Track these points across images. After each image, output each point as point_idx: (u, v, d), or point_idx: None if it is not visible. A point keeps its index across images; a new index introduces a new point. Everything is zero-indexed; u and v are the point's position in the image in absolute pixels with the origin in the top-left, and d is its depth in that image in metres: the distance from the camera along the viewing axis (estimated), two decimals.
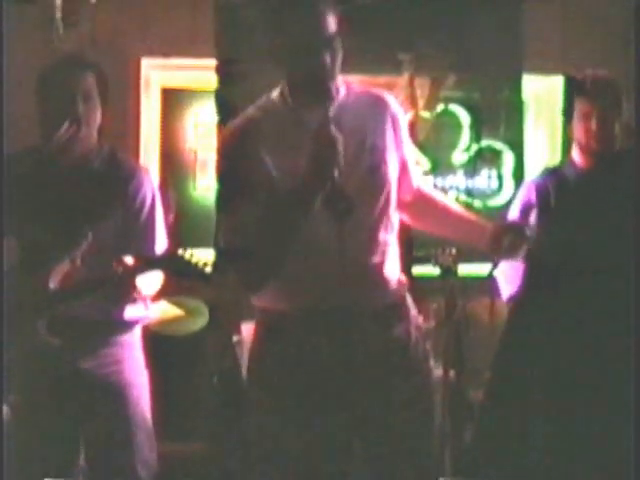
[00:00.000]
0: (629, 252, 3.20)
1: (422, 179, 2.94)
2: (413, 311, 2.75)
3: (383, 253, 2.66)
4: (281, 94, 2.64)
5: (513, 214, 3.62)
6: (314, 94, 2.51)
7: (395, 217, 2.71)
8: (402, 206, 2.80)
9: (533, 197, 3.58)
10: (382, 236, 2.65)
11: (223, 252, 2.64)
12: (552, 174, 3.68)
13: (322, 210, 2.49)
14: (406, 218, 2.87)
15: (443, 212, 2.87)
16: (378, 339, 2.62)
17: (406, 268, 2.83)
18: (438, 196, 2.94)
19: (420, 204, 2.86)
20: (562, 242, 3.46)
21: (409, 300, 2.75)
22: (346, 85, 2.67)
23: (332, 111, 2.47)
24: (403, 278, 2.75)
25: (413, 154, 2.87)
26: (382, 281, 2.66)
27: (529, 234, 2.78)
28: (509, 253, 2.77)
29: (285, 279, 2.55)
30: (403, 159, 2.75)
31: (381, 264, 2.65)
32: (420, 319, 2.80)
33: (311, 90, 2.53)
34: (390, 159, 2.66)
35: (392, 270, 2.69)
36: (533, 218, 3.56)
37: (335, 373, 2.59)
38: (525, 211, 3.58)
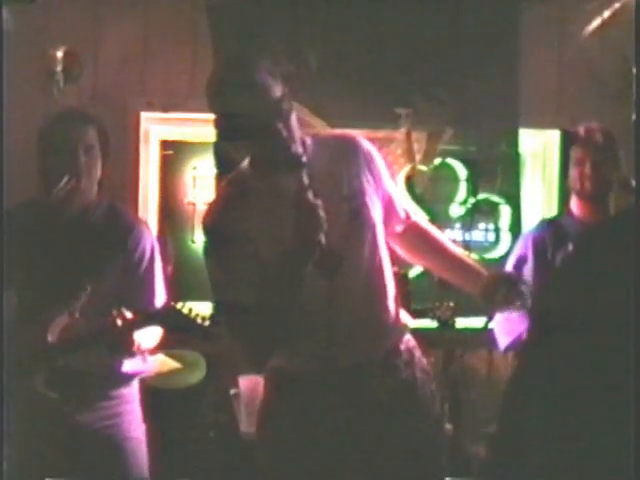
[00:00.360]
0: (630, 305, 3.21)
1: (415, 211, 2.91)
2: (418, 353, 2.72)
3: (379, 297, 2.65)
4: (250, 164, 2.63)
5: (510, 266, 3.63)
6: (282, 163, 2.49)
7: (386, 257, 2.68)
8: (395, 238, 2.79)
9: (530, 249, 3.60)
10: (375, 280, 2.64)
11: (217, 306, 2.64)
12: (549, 225, 3.70)
13: (311, 270, 2.46)
14: (400, 250, 2.84)
15: (438, 248, 2.83)
16: (385, 387, 2.60)
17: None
18: (434, 231, 2.90)
19: (414, 236, 2.83)
20: (561, 294, 3.47)
21: (412, 342, 2.73)
22: (311, 136, 2.66)
23: (305, 176, 2.44)
24: (403, 319, 2.73)
25: (395, 187, 2.84)
26: (383, 326, 2.65)
27: (524, 287, 2.78)
28: (502, 305, 2.76)
29: (288, 342, 2.54)
30: (386, 195, 2.71)
31: (379, 309, 2.64)
32: (425, 361, 2.77)
33: (277, 160, 2.50)
34: (371, 200, 2.63)
35: (391, 313, 2.67)
36: (530, 270, 3.58)
37: (347, 426, 2.57)
38: (522, 263, 3.59)
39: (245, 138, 2.51)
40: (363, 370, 2.58)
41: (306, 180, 2.44)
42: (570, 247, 3.51)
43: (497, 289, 2.69)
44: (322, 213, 2.40)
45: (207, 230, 2.67)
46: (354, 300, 2.57)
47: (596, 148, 3.54)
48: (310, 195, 2.42)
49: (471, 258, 2.99)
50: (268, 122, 2.46)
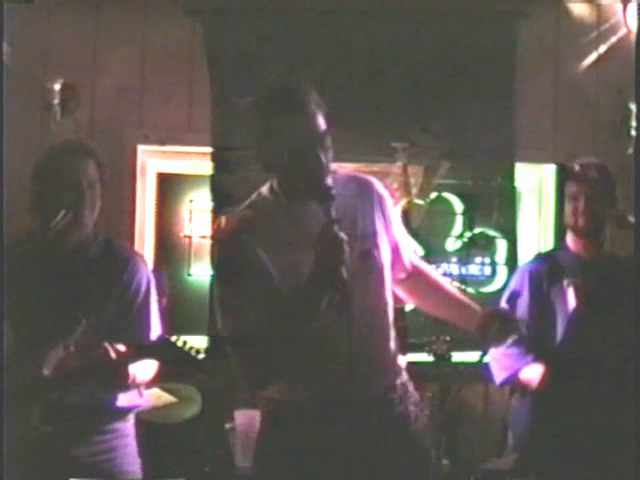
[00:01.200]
0: (629, 335, 3.22)
1: (415, 256, 2.94)
2: (410, 387, 2.74)
3: (382, 336, 2.67)
4: (271, 190, 2.63)
5: (506, 300, 3.63)
6: (312, 193, 2.50)
7: (390, 298, 2.70)
8: (397, 283, 2.81)
9: (526, 283, 3.60)
10: (380, 320, 2.66)
11: (222, 340, 2.61)
12: (545, 259, 3.71)
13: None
14: (401, 293, 2.87)
15: (436, 290, 2.87)
16: (382, 422, 2.62)
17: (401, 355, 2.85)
18: (433, 273, 2.94)
19: (415, 280, 2.86)
20: (559, 328, 3.48)
21: (405, 376, 2.74)
22: (331, 174, 2.64)
23: (333, 209, 2.46)
24: (401, 358, 2.76)
25: (404, 234, 2.87)
26: (384, 364, 2.67)
27: (517, 322, 2.78)
28: (497, 340, 2.77)
29: (290, 373, 2.54)
30: (394, 241, 2.75)
31: (381, 348, 2.66)
32: (417, 395, 2.77)
33: (308, 189, 2.51)
34: (381, 243, 2.66)
35: (392, 351, 2.70)
36: (525, 304, 3.58)
37: (343, 458, 2.57)
38: (517, 297, 3.59)
39: (285, 162, 2.51)
40: (362, 406, 2.59)
41: (334, 213, 2.45)
42: (566, 281, 3.52)
43: (491, 325, 2.70)
44: (347, 248, 2.42)
45: (222, 250, 2.66)
46: (358, 337, 2.55)
47: (590, 184, 3.56)
48: (337, 228, 2.43)
49: (466, 295, 2.99)
50: (313, 150, 2.48)
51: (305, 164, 2.49)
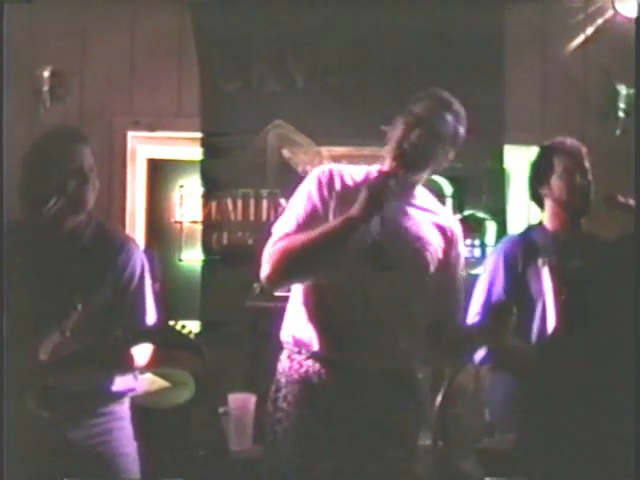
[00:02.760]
0: (608, 314, 3.25)
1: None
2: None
3: (408, 318, 2.83)
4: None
5: (483, 282, 3.63)
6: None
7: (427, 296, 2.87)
8: None
9: (501, 263, 3.60)
10: (410, 305, 2.83)
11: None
12: (519, 239, 3.69)
13: (363, 264, 2.71)
14: None
15: None
16: (395, 397, 2.83)
17: None
18: None
19: None
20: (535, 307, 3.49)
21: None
22: None
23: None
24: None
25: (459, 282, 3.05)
26: (405, 337, 2.82)
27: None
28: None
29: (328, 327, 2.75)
30: (451, 270, 2.98)
31: (407, 324, 2.82)
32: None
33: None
34: (435, 253, 2.89)
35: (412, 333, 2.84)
36: (501, 284, 3.58)
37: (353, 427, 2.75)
38: (494, 278, 3.59)
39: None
40: (377, 376, 2.77)
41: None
42: (540, 261, 3.51)
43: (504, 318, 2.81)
44: (392, 186, 2.71)
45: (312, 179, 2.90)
46: (391, 302, 2.79)
47: (583, 159, 3.55)
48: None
49: None
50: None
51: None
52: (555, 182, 3.55)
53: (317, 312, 2.79)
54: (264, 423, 2.95)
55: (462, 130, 2.99)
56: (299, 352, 2.83)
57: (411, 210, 2.90)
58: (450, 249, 2.94)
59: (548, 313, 3.42)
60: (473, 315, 3.61)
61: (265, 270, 2.79)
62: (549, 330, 3.41)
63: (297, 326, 2.84)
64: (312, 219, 2.79)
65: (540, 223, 3.66)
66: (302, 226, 2.78)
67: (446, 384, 3.70)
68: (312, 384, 2.79)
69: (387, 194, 2.68)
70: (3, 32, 3.10)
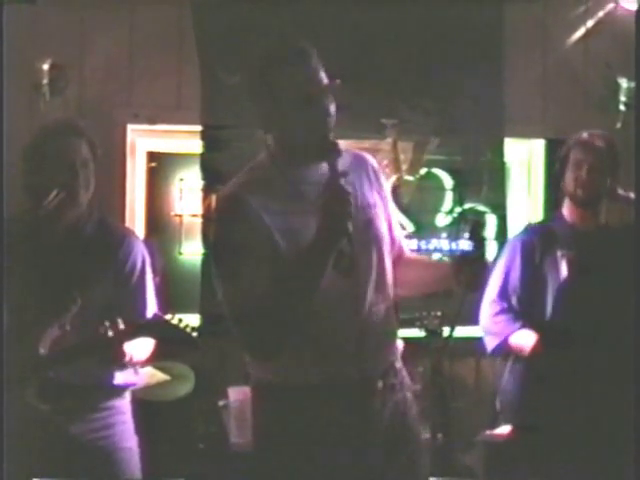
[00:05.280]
0: (622, 305, 3.25)
1: (402, 235, 2.90)
2: (405, 374, 2.72)
3: (385, 309, 2.62)
4: (269, 155, 2.57)
5: (499, 271, 3.64)
6: (316, 148, 2.45)
7: (390, 271, 2.65)
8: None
9: (518, 254, 3.61)
10: (383, 291, 2.61)
11: (229, 318, 2.48)
12: (537, 230, 3.71)
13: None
14: None
15: (415, 269, 2.81)
16: (385, 405, 2.59)
17: None
18: (412, 255, 2.93)
19: (400, 270, 2.77)
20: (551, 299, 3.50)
21: (400, 364, 2.71)
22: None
23: (339, 164, 2.41)
24: (399, 339, 2.74)
25: (395, 211, 2.85)
26: (388, 339, 2.65)
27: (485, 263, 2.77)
28: (470, 284, 2.74)
29: (294, 349, 2.47)
30: (388, 216, 2.72)
31: (385, 320, 2.61)
32: (408, 379, 2.76)
33: (312, 144, 2.46)
34: (380, 215, 2.63)
35: (393, 326, 2.69)
36: (517, 274, 3.59)
37: (350, 441, 2.54)
38: (510, 268, 3.61)
39: (288, 115, 2.46)
40: (366, 385, 2.56)
41: (340, 167, 2.41)
42: (559, 252, 3.53)
43: (463, 269, 2.60)
44: (352, 201, 2.37)
45: (220, 216, 2.56)
46: (363, 308, 2.55)
47: (596, 153, 3.55)
48: (343, 182, 2.38)
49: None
50: (319, 100, 2.45)
51: (310, 115, 2.44)
52: (568, 175, 3.58)
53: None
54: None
55: None
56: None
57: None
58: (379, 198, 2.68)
59: (564, 303, 3.44)
60: (488, 302, 3.63)
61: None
62: (563, 319, 3.43)
63: None
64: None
65: (560, 214, 3.67)
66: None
67: (443, 373, 3.71)
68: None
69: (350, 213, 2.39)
70: (3, 26, 3.08)
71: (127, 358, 2.89)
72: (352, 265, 2.45)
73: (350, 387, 2.53)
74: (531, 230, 3.75)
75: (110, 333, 2.78)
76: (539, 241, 3.58)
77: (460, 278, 2.60)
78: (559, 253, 3.50)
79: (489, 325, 3.71)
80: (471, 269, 2.60)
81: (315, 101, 2.45)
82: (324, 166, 2.44)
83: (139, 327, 2.89)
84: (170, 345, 3.09)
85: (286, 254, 2.44)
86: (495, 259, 3.87)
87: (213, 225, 2.58)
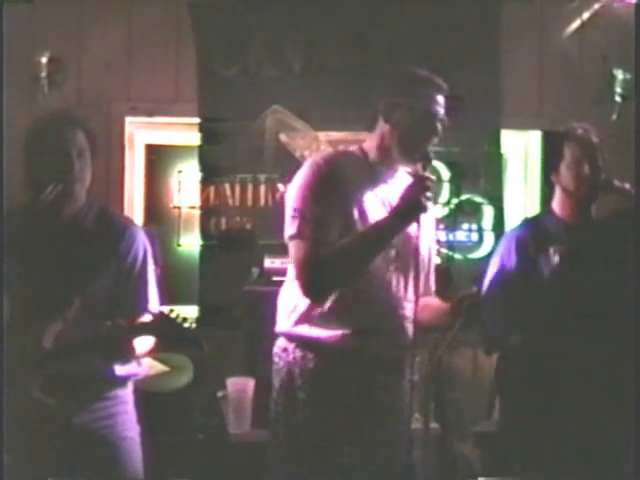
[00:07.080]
0: (615, 298, 3.27)
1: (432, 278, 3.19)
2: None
3: (411, 311, 2.90)
4: (361, 151, 2.97)
5: (493, 266, 3.65)
6: (419, 155, 2.85)
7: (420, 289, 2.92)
8: None
9: (513, 249, 3.61)
10: (413, 295, 2.92)
11: (293, 260, 2.85)
12: (531, 224, 3.71)
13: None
14: None
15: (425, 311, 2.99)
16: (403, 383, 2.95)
17: None
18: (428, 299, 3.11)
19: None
20: (544, 292, 3.50)
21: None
22: None
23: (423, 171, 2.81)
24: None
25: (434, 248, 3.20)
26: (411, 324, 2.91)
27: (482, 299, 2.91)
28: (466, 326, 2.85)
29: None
30: (429, 248, 3.09)
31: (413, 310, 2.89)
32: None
33: (418, 152, 2.86)
34: (425, 239, 2.98)
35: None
36: (512, 270, 3.59)
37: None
38: (505, 263, 3.61)
39: (413, 124, 2.90)
40: (392, 362, 2.93)
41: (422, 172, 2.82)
42: (551, 246, 3.53)
43: (463, 304, 2.83)
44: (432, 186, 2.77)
45: (316, 175, 2.86)
46: (401, 293, 2.92)
47: (593, 147, 3.54)
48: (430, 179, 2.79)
49: (454, 262, 3.22)
50: (440, 121, 2.93)
51: (432, 130, 2.90)
52: (564, 170, 3.55)
53: (335, 307, 2.84)
54: (272, 411, 2.98)
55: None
56: (304, 344, 2.88)
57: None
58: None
59: (557, 299, 3.44)
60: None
61: (317, 284, 2.81)
62: (558, 315, 3.44)
63: (305, 319, 2.89)
64: (334, 217, 2.80)
65: (550, 209, 3.67)
66: (329, 229, 2.79)
67: (440, 365, 3.73)
68: (326, 373, 2.85)
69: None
70: (2, 20, 3.09)
71: (129, 353, 2.88)
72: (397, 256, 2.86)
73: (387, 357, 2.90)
74: (525, 225, 3.75)
75: (112, 330, 2.77)
76: (533, 236, 3.58)
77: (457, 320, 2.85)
78: (552, 250, 3.50)
79: (483, 326, 3.71)
80: (468, 313, 2.84)
81: (439, 120, 2.93)
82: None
83: (141, 325, 2.86)
84: (167, 338, 3.08)
85: (357, 225, 2.82)
86: (491, 252, 3.88)
87: (302, 184, 2.88)
